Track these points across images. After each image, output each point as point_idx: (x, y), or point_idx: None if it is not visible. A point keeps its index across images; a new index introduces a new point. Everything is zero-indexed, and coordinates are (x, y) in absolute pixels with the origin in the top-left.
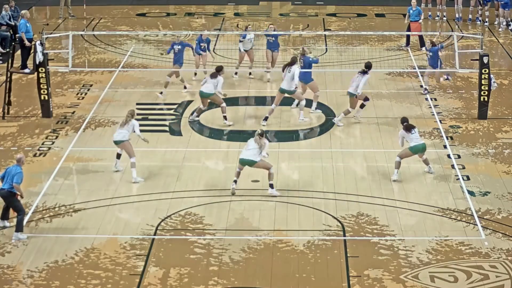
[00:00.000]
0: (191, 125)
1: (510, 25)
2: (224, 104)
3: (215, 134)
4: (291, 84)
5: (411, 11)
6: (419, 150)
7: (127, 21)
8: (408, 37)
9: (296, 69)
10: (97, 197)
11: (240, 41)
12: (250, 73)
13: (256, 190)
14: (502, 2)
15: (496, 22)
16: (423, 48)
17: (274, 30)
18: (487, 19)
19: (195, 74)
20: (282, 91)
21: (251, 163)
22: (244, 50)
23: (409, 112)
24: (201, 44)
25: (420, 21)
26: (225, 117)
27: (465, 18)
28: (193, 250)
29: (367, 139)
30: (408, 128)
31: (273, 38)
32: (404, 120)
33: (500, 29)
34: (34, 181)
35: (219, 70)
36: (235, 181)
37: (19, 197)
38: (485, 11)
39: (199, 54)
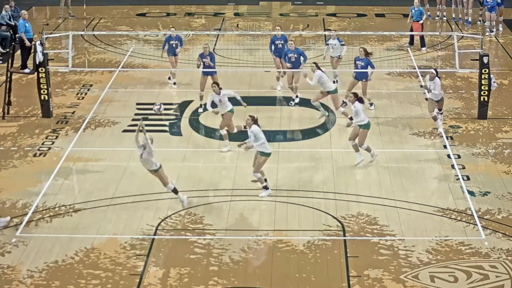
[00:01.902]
0: (191, 125)
1: (493, 31)
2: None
3: (215, 134)
4: None
5: (413, 11)
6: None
7: (127, 21)
8: (411, 37)
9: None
10: (97, 197)
11: (327, 44)
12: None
13: (256, 190)
14: (489, 6)
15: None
16: (423, 49)
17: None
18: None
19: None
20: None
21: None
22: (331, 56)
23: (409, 112)
24: (171, 42)
25: (421, 21)
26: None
27: (464, 20)
28: (193, 250)
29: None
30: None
31: (282, 42)
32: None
33: (493, 32)
34: (34, 181)
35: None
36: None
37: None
38: (485, 12)
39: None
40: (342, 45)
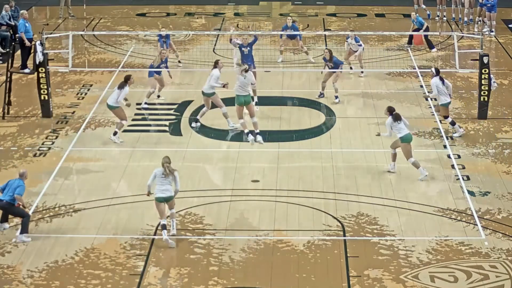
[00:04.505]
0: (191, 125)
1: (493, 31)
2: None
3: (215, 134)
4: None
5: (414, 22)
6: (409, 139)
7: (127, 21)
8: (410, 37)
9: None
10: (97, 197)
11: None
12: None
13: (256, 190)
14: (488, 5)
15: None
16: (433, 50)
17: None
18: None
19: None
20: None
21: None
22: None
23: (409, 112)
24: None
25: (421, 31)
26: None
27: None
28: (193, 250)
29: (367, 139)
30: (397, 117)
31: (248, 49)
32: (392, 110)
33: (493, 32)
34: (34, 181)
35: None
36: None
37: (21, 206)
38: (485, 11)
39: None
40: (360, 45)
